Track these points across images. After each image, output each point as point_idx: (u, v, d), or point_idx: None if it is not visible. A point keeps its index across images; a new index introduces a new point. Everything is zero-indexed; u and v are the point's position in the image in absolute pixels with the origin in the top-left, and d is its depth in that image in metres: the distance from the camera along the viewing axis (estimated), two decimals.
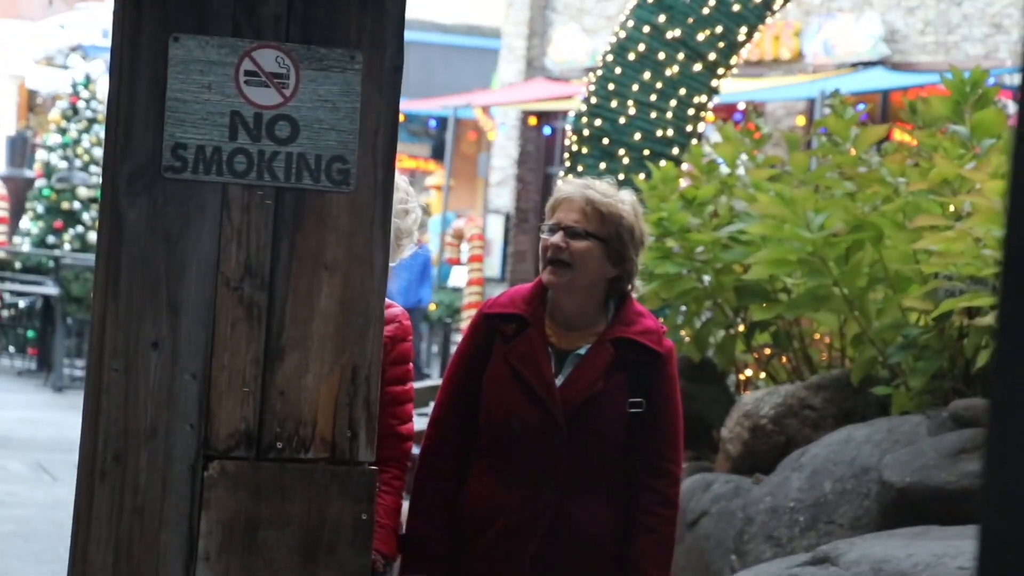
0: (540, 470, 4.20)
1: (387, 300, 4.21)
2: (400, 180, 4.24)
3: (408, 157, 29.51)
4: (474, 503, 4.27)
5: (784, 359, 7.98)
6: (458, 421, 4.32)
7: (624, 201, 4.30)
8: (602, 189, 4.30)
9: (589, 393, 4.20)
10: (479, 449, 4.30)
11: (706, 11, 10.13)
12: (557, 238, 4.24)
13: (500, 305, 4.34)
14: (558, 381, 4.23)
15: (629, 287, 4.32)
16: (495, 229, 23.63)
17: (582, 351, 4.26)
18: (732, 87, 14.39)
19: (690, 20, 10.13)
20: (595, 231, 4.23)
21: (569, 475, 4.20)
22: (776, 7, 10.33)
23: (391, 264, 4.20)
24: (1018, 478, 1.12)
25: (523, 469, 4.21)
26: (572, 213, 4.25)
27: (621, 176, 9.31)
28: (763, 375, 8.11)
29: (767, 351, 8.06)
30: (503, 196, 24.03)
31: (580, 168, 9.98)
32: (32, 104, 32.74)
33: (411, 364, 4.33)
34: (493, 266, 23.01)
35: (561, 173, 10.62)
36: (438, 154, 28.75)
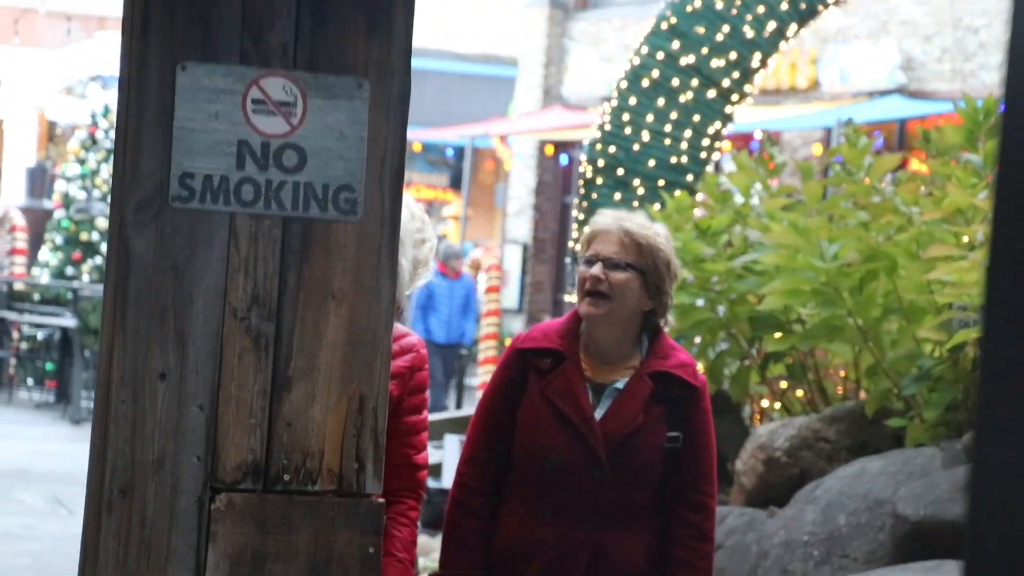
0: (578, 505, 4.18)
1: (404, 328, 4.18)
2: (416, 209, 4.21)
3: (426, 187, 29.55)
4: (511, 540, 4.23)
5: (799, 391, 7.94)
6: (492, 458, 4.28)
7: (660, 234, 4.29)
8: (638, 221, 4.29)
9: (630, 427, 4.18)
10: (512, 484, 4.27)
11: (720, 38, 10.12)
12: (596, 269, 4.21)
13: (533, 340, 4.31)
14: (596, 415, 4.21)
15: (662, 321, 4.30)
16: (513, 259, 23.62)
17: (619, 384, 4.23)
18: (749, 116, 14.39)
19: (704, 47, 10.12)
20: (634, 262, 4.21)
21: (607, 509, 4.18)
22: (790, 34, 10.32)
23: (406, 293, 4.18)
24: (1001, 509, 1.10)
25: (561, 504, 4.18)
26: (610, 245, 4.23)
27: (636, 204, 9.30)
28: (778, 406, 8.07)
29: (782, 383, 8.03)
30: (521, 226, 24.03)
31: (595, 197, 9.97)
32: (52, 134, 32.85)
33: (427, 393, 4.31)
34: (511, 297, 22.99)
35: (576, 202, 10.59)
36: (456, 184, 28.78)
